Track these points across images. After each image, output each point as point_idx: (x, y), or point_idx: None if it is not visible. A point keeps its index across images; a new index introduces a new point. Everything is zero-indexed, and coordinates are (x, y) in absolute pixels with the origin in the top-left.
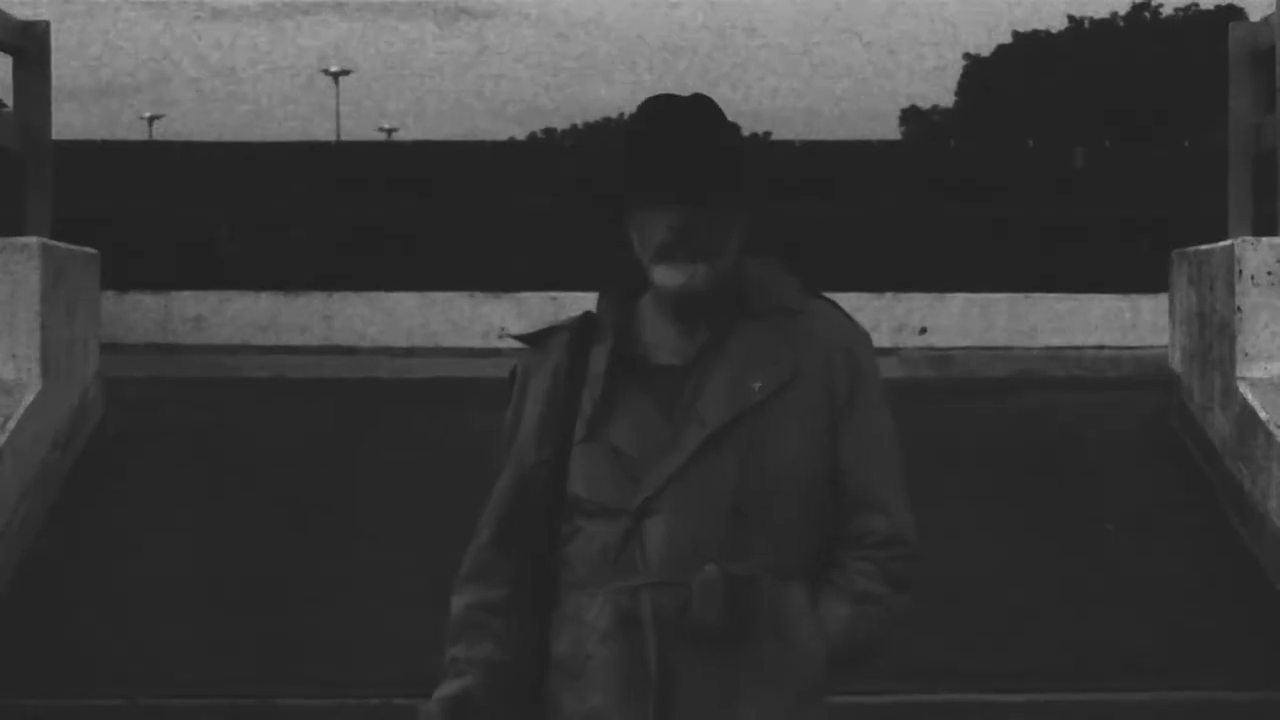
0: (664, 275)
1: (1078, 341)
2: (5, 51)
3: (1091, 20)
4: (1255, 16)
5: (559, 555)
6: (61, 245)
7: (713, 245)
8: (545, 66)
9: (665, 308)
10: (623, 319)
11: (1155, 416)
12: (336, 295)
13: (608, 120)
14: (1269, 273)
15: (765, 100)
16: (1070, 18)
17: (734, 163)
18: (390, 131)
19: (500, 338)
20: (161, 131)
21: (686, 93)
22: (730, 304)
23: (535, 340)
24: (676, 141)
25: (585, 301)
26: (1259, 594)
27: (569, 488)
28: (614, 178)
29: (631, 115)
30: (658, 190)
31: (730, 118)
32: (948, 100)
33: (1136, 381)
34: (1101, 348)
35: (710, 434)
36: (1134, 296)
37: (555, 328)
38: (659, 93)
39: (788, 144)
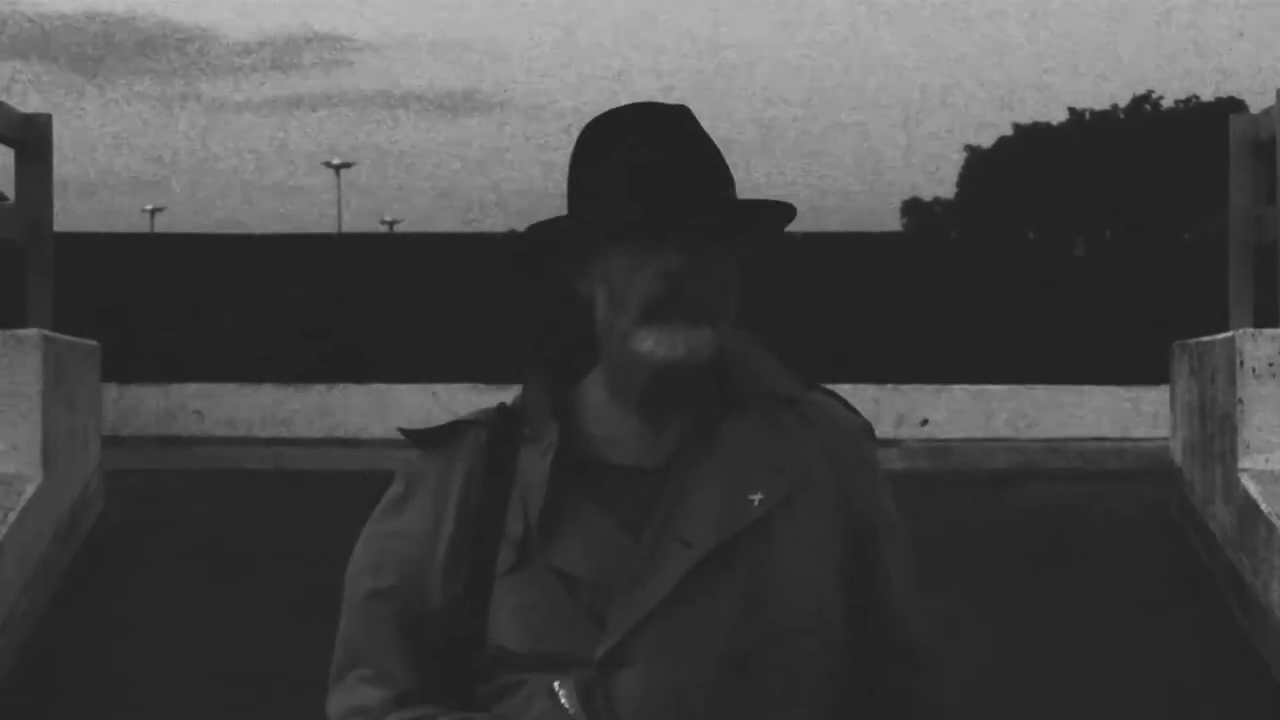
0: (655, 343)
1: (1079, 433)
2: (7, 144)
3: (1092, 112)
4: (1255, 108)
5: None
6: (62, 337)
7: (719, 302)
8: (549, 159)
9: (628, 392)
10: (561, 409)
11: (1156, 508)
12: (338, 387)
13: None
14: (1270, 364)
15: (767, 191)
16: (1071, 110)
17: (733, 191)
18: (392, 224)
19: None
20: (164, 224)
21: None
22: (711, 388)
23: (434, 439)
24: (683, 161)
25: None
26: (1261, 685)
27: (490, 634)
28: (578, 214)
29: (598, 128)
30: (659, 224)
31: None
32: (949, 192)
33: (1138, 473)
34: (1102, 439)
35: (700, 559)
36: (1135, 388)
37: (463, 422)
38: (627, 103)
39: (789, 235)
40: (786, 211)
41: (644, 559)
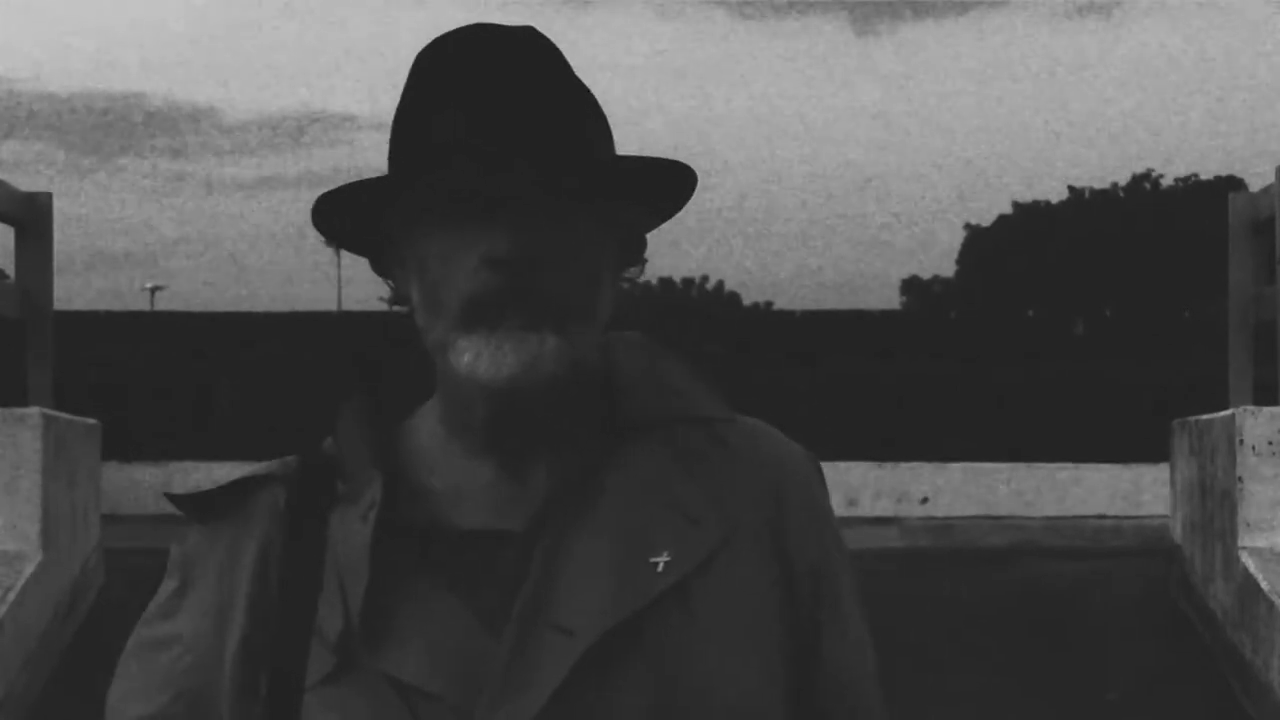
0: (474, 357)
1: (1079, 511)
2: (8, 223)
3: (1092, 190)
4: (1255, 187)
5: None
6: (63, 415)
7: (574, 298)
8: None
9: (470, 427)
10: (387, 453)
11: (1156, 586)
12: None
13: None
14: (1270, 442)
15: (766, 269)
16: (1070, 188)
17: (608, 144)
18: (392, 302)
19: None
20: (164, 302)
21: None
22: (594, 414)
23: (214, 507)
24: (523, 95)
25: None
26: None
27: None
28: (392, 175)
29: (418, 60)
30: (479, 184)
31: (731, 288)
32: (948, 270)
33: (1137, 551)
34: (1103, 517)
35: (585, 652)
36: (1135, 466)
37: (251, 479)
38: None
39: (788, 314)
40: (678, 174)
41: (509, 658)
